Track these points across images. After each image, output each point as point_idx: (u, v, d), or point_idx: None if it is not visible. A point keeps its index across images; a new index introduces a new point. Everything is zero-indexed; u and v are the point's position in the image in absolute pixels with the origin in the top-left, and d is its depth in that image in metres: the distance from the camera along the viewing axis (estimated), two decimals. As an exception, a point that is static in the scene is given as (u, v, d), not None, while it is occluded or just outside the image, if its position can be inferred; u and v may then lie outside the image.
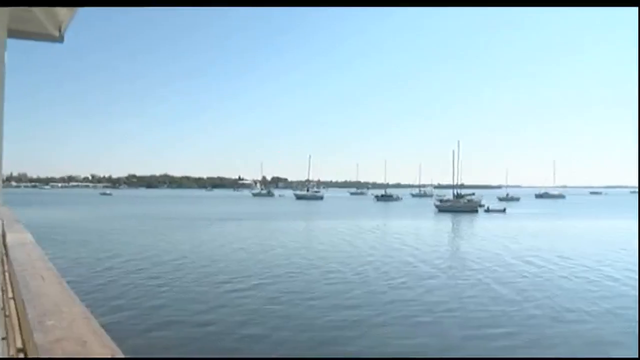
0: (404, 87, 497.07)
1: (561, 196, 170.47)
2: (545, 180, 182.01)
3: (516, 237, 41.30)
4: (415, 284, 21.06)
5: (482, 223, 59.31)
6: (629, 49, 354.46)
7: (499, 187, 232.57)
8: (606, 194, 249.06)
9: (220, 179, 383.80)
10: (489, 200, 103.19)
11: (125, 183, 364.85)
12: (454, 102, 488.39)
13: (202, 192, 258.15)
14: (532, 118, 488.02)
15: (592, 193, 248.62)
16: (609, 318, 16.08)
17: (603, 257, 29.91)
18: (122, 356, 1.24)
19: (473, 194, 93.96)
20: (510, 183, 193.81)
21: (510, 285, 21.18)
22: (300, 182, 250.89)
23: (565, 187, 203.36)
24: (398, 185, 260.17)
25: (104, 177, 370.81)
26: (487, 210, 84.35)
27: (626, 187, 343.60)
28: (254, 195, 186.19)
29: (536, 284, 21.53)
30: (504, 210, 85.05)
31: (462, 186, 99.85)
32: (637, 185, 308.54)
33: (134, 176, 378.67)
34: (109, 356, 1.24)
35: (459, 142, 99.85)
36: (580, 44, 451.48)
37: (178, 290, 19.64)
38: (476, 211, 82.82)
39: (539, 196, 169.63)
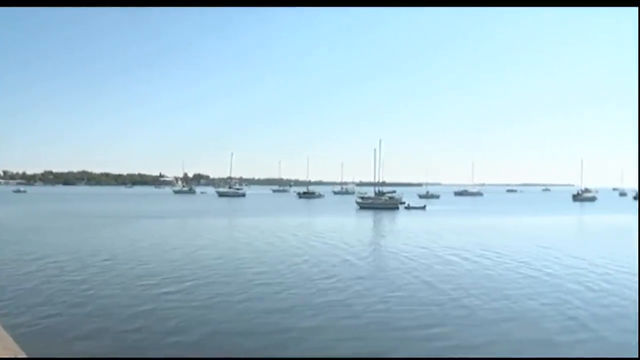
0: (327, 85, 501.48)
1: (479, 194, 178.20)
2: (465, 179, 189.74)
3: (435, 234, 43.64)
4: (345, 284, 21.27)
5: (402, 220, 61.84)
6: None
7: (419, 184, 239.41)
8: (521, 191, 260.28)
9: (141, 176, 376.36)
10: (409, 197, 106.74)
11: (40, 180, 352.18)
12: (376, 101, 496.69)
13: (121, 190, 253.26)
14: (452, 118, 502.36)
15: (508, 191, 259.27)
16: (544, 312, 17.04)
17: (524, 251, 32.13)
18: (25, 356, 1.79)
19: (394, 191, 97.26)
20: (430, 181, 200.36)
21: (438, 282, 22.01)
22: (222, 179, 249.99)
23: (483, 185, 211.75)
24: (320, 183, 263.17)
25: (17, 173, 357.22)
26: (408, 208, 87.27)
27: (539, 185, 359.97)
28: (175, 192, 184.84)
29: (464, 280, 22.44)
30: (423, 208, 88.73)
31: (383, 184, 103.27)
32: (546, 183, 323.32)
33: (50, 173, 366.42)
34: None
35: (380, 140, 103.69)
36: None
37: (102, 294, 18.96)
38: (397, 208, 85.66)
39: (458, 194, 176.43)
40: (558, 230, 50.86)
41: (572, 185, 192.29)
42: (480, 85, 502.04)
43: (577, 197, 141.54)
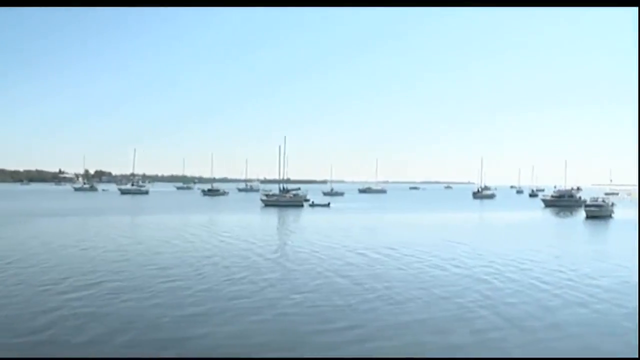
0: (231, 80, 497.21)
1: (383, 191, 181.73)
2: (369, 176, 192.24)
3: (341, 230, 44.17)
4: (254, 279, 21.36)
5: (307, 217, 62.14)
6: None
7: (324, 182, 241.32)
8: (424, 189, 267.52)
9: (39, 172, 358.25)
10: (314, 195, 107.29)
11: None
12: (280, 98, 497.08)
13: (17, 187, 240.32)
14: (355, 116, 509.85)
15: (411, 188, 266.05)
16: (447, 303, 17.61)
17: (430, 247, 32.86)
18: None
19: (299, 188, 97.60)
20: (335, 178, 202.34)
21: (346, 277, 22.27)
22: (125, 176, 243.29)
23: (387, 182, 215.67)
24: (225, 180, 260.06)
25: None
26: (312, 205, 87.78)
27: (441, 182, 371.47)
28: (76, 189, 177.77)
29: (372, 275, 22.86)
30: (328, 205, 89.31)
31: (288, 181, 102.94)
32: (448, 181, 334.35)
33: None
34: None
35: (285, 137, 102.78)
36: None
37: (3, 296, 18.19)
38: (302, 206, 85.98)
39: (363, 191, 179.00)
40: (462, 226, 52.72)
41: (473, 183, 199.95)
42: (386, 86, 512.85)
43: (477, 195, 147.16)
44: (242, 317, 15.61)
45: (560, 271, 24.37)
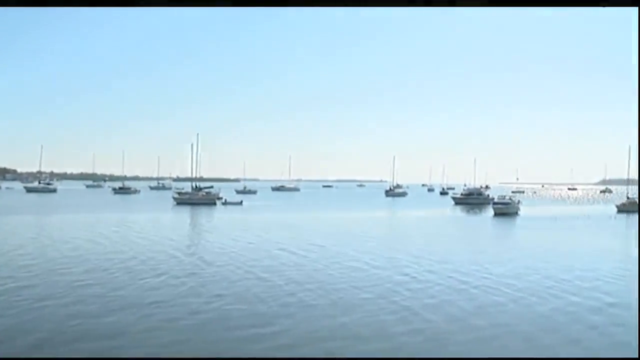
0: (144, 77, 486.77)
1: (296, 189, 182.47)
2: (282, 174, 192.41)
3: (255, 229, 44.15)
4: (172, 282, 20.92)
5: (220, 215, 61.92)
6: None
7: (237, 180, 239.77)
8: (337, 187, 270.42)
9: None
10: (227, 193, 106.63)
11: None
12: (193, 97, 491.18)
13: None
14: (269, 114, 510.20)
15: (324, 186, 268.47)
16: (383, 302, 17.89)
17: (348, 245, 33.44)
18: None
19: (211, 187, 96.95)
20: (248, 176, 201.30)
21: (267, 277, 22.23)
22: (32, 174, 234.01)
23: (300, 180, 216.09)
24: (137, 178, 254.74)
25: None
26: (225, 203, 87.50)
27: (354, 181, 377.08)
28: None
29: (295, 275, 22.88)
30: (240, 203, 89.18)
31: (201, 179, 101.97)
32: (361, 179, 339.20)
33: None
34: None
35: (198, 135, 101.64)
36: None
37: None
38: (214, 204, 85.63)
39: (276, 189, 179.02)
40: (377, 224, 53.76)
41: (385, 181, 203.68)
42: (297, 83, 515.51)
43: (389, 193, 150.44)
44: (160, 323, 15.02)
45: (476, 267, 25.18)
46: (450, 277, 22.61)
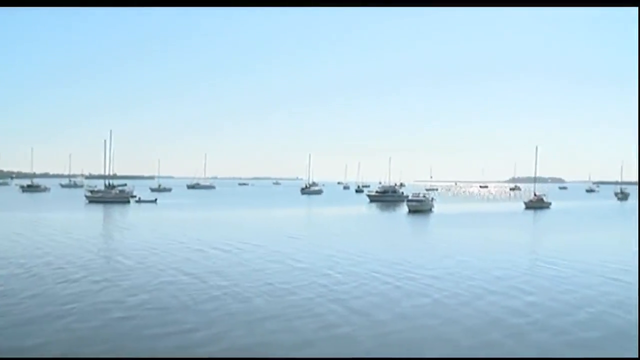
0: (52, 67, 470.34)
1: (212, 187, 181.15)
2: (197, 172, 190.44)
3: (167, 227, 44.10)
4: (91, 280, 20.86)
5: (133, 213, 61.38)
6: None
7: (152, 177, 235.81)
8: (253, 185, 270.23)
9: None
10: (141, 190, 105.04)
11: None
12: (107, 92, 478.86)
13: None
14: (185, 109, 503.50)
15: (240, 184, 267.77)
16: (315, 291, 18.87)
17: (266, 242, 33.87)
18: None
19: (125, 184, 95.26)
20: (162, 174, 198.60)
21: (187, 274, 22.42)
22: None
23: (215, 178, 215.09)
24: (46, 175, 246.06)
25: None
26: (139, 201, 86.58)
27: (270, 178, 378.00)
28: None
29: (215, 271, 23.19)
30: (155, 201, 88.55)
31: (114, 177, 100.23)
32: (277, 177, 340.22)
33: None
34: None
35: (111, 131, 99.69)
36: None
37: None
38: (128, 202, 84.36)
39: (191, 187, 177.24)
40: (294, 221, 54.90)
41: (301, 179, 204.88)
42: (215, 82, 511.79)
43: (305, 191, 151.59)
44: (80, 322, 14.99)
45: (398, 264, 26.01)
46: (375, 275, 23.11)
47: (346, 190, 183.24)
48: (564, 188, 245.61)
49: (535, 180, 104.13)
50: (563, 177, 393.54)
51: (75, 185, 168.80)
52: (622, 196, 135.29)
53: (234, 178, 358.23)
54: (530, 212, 75.47)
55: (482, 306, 17.66)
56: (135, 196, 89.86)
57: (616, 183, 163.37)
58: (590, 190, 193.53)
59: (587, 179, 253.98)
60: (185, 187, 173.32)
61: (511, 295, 19.35)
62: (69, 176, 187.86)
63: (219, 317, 15.81)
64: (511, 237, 41.70)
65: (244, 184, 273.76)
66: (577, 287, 21.24)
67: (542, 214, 72.07)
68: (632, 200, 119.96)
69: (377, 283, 21.35)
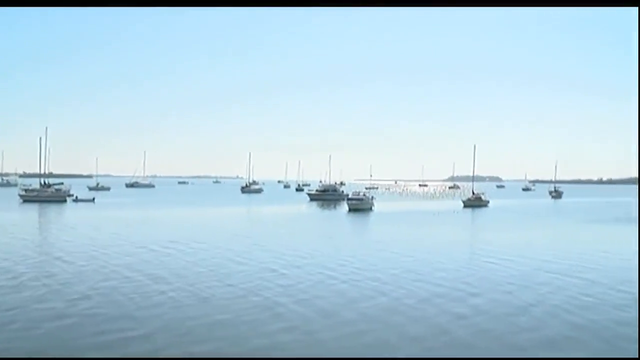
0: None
1: (151, 185, 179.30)
2: (136, 170, 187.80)
3: (109, 226, 43.49)
4: (32, 283, 20.40)
5: (70, 213, 60.43)
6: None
7: (89, 176, 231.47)
8: (193, 183, 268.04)
9: None
10: (78, 189, 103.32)
11: None
12: (38, 90, 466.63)
13: None
14: (122, 105, 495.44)
15: (180, 183, 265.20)
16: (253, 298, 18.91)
17: (214, 241, 34.44)
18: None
19: (62, 183, 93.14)
20: (100, 172, 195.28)
21: (135, 275, 22.33)
22: None
23: (155, 176, 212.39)
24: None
25: None
26: (76, 200, 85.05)
27: (210, 177, 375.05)
28: None
29: (167, 272, 23.10)
30: (92, 200, 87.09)
31: (50, 175, 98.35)
32: (217, 176, 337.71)
33: None
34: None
35: (46, 128, 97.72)
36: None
37: None
38: (65, 201, 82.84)
39: (130, 185, 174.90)
40: (235, 220, 55.42)
41: (242, 177, 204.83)
42: (153, 81, 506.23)
43: (245, 189, 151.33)
44: (20, 325, 14.86)
45: (347, 262, 26.71)
46: (320, 272, 23.72)
47: (287, 189, 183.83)
48: (502, 187, 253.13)
49: (473, 179, 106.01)
50: (501, 176, 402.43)
51: (9, 184, 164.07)
52: (556, 194, 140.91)
53: (173, 177, 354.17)
54: (469, 210, 77.62)
55: (428, 306, 17.99)
56: (72, 195, 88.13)
57: (551, 182, 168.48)
58: (526, 189, 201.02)
59: (524, 178, 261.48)
60: (124, 186, 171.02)
61: (455, 296, 19.59)
62: (1, 175, 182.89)
63: (176, 321, 15.53)
64: (450, 235, 43.11)
65: (184, 183, 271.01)
66: (517, 281, 22.52)
67: (480, 212, 74.37)
68: (566, 199, 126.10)
69: (322, 282, 21.68)
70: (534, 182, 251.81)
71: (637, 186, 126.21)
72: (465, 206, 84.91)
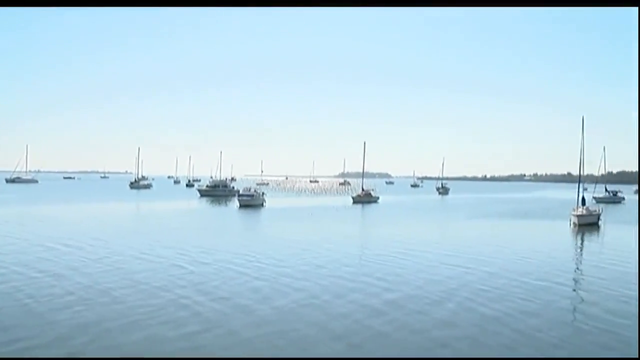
0: None
1: (34, 181, 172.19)
2: (18, 165, 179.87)
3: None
4: None
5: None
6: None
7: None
8: (79, 179, 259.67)
9: None
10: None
11: None
12: None
13: None
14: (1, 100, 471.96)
15: (65, 178, 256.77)
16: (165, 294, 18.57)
17: (107, 238, 33.37)
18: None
19: None
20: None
21: (36, 272, 21.82)
22: None
23: (39, 171, 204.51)
24: None
25: None
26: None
27: (97, 172, 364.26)
28: None
29: (65, 270, 22.57)
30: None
31: None
32: (105, 171, 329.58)
33: None
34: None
35: None
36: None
37: None
38: None
39: (10, 181, 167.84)
40: (124, 216, 55.22)
41: (130, 173, 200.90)
42: (34, 73, 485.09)
43: (134, 185, 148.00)
44: None
45: (254, 258, 26.90)
46: (229, 268, 23.85)
47: (177, 185, 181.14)
48: (391, 183, 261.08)
49: (363, 175, 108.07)
50: (390, 173, 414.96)
51: None
52: (443, 191, 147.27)
53: (59, 172, 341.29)
54: (359, 206, 79.36)
55: (346, 302, 18.19)
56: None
57: (437, 178, 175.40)
58: (414, 185, 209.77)
59: (412, 175, 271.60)
60: (4, 182, 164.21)
61: (370, 292, 19.91)
62: None
63: (92, 322, 15.09)
64: (347, 230, 44.79)
65: (70, 178, 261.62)
66: (424, 275, 23.61)
67: (370, 208, 76.49)
68: (452, 195, 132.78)
69: (233, 278, 21.84)
70: (422, 178, 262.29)
71: (516, 183, 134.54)
72: (354, 202, 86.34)
